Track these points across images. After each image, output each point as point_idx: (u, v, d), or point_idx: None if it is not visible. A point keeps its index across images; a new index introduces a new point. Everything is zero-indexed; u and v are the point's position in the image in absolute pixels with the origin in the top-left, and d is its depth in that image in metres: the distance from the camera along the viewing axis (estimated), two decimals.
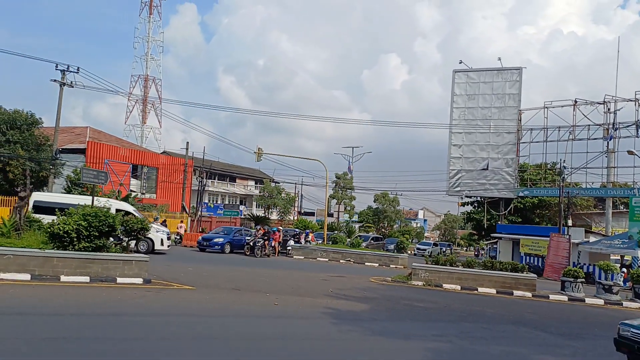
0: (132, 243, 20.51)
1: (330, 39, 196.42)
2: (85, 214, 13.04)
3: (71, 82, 28.61)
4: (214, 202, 60.18)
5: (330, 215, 53.53)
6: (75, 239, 12.81)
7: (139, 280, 13.24)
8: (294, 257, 29.90)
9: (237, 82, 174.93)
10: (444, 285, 18.27)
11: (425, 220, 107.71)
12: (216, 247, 27.48)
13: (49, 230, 13.11)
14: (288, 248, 31.00)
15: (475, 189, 43.53)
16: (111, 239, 14.19)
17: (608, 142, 37.49)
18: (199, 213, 42.61)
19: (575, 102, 39.31)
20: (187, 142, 45.06)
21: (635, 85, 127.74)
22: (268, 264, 23.56)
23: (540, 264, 31.99)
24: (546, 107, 40.48)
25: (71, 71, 28.48)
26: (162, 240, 22.92)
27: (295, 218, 58.67)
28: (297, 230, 38.02)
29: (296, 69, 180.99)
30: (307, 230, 38.81)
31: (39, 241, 13.40)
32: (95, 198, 16.59)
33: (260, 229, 29.66)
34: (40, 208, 20.22)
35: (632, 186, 37.21)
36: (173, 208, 44.67)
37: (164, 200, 44.57)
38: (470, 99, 43.30)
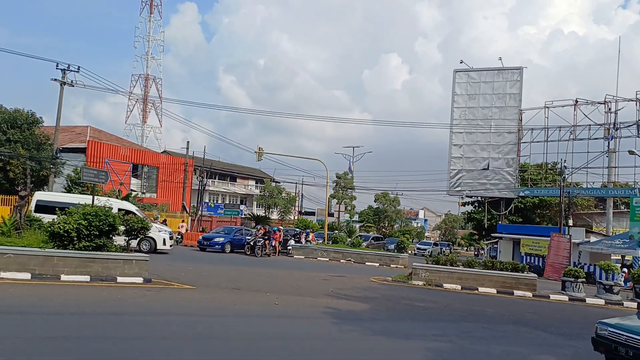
0: (135, 242, 20.68)
1: (331, 38, 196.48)
2: (85, 213, 13.04)
3: (72, 82, 28.62)
4: (215, 201, 60.18)
5: (330, 215, 53.55)
6: (75, 238, 12.81)
7: (140, 280, 13.23)
8: (295, 256, 29.89)
9: (238, 82, 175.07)
10: (444, 285, 18.25)
11: (425, 220, 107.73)
12: (216, 246, 27.47)
13: (49, 229, 13.12)
14: (288, 248, 30.99)
15: (475, 188, 43.48)
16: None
17: (609, 142, 37.43)
18: (200, 212, 42.62)
19: (576, 102, 39.25)
20: (188, 142, 45.07)
21: (636, 85, 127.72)
22: (268, 263, 23.56)
23: (540, 264, 31.96)
24: (547, 107, 40.42)
25: (72, 70, 28.51)
26: (164, 240, 22.93)
27: (296, 218, 58.69)
28: (297, 229, 38.01)
29: (297, 68, 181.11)
30: (308, 230, 38.81)
31: (40, 240, 13.41)
32: (96, 197, 16.58)
33: (260, 228, 29.64)
34: (43, 207, 20.23)
35: (633, 186, 37.16)
36: (173, 207, 44.69)
37: (165, 199, 44.58)
38: (471, 99, 43.25)
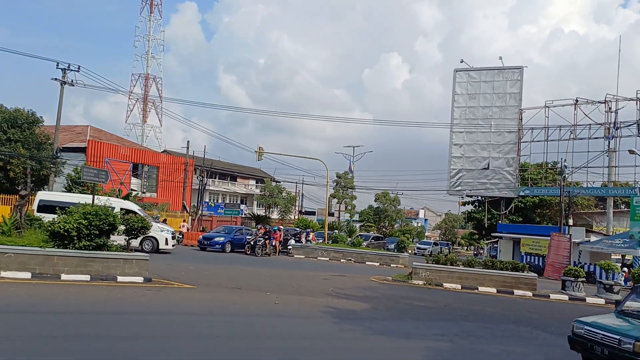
0: (137, 242, 20.70)
1: (331, 37, 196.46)
2: (86, 212, 13.04)
3: (72, 81, 28.63)
4: (215, 201, 60.19)
5: (331, 214, 53.52)
6: (75, 238, 12.81)
7: (140, 279, 13.23)
8: (295, 256, 29.89)
9: (238, 81, 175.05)
10: (444, 284, 18.25)
11: (426, 220, 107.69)
12: (217, 246, 27.47)
13: (49, 228, 13.13)
14: (289, 247, 30.99)
15: (476, 188, 43.47)
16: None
17: (609, 142, 37.40)
18: (200, 212, 42.63)
19: (576, 101, 39.23)
20: (188, 141, 45.07)
21: (636, 84, 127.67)
22: (269, 263, 23.56)
23: (541, 264, 31.97)
24: (547, 107, 40.39)
25: (72, 70, 28.52)
26: (166, 239, 22.94)
27: (296, 217, 58.69)
28: (297, 229, 38.00)
29: (297, 68, 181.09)
30: (308, 230, 38.82)
31: (40, 240, 13.42)
32: (97, 197, 16.58)
33: (261, 228, 29.65)
34: (46, 207, 20.22)
35: (633, 185, 37.15)
36: (174, 207, 44.69)
37: (165, 199, 44.58)
38: (471, 98, 43.23)
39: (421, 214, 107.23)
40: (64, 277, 12.40)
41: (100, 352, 6.85)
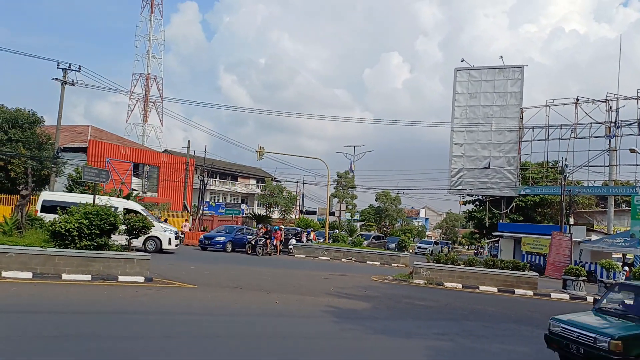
0: (140, 242, 20.74)
1: (332, 37, 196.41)
2: (87, 212, 13.05)
3: (73, 81, 28.63)
4: (216, 200, 60.20)
5: (331, 214, 53.51)
6: (76, 238, 12.83)
7: (141, 279, 13.25)
8: (296, 255, 29.90)
9: (239, 81, 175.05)
10: (445, 283, 18.25)
11: (426, 219, 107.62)
12: (218, 245, 27.48)
13: (50, 228, 13.14)
14: (289, 247, 30.99)
15: (476, 187, 43.46)
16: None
17: (610, 140, 37.38)
18: (201, 212, 42.64)
19: (577, 100, 39.19)
20: (189, 141, 45.13)
21: (637, 83, 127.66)
22: (269, 262, 23.57)
23: (541, 263, 31.96)
24: (548, 106, 40.36)
25: (73, 70, 28.51)
26: (169, 239, 22.95)
27: (297, 217, 58.68)
28: (298, 229, 38.01)
29: (297, 67, 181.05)
30: (309, 229, 38.82)
31: (41, 239, 13.43)
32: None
33: (261, 227, 29.64)
34: (49, 207, 20.23)
35: (634, 184, 37.12)
36: (174, 207, 44.69)
37: (166, 199, 44.59)
38: (472, 97, 43.20)
39: (422, 213, 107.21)
40: (65, 277, 12.41)
41: (101, 352, 6.86)
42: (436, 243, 57.11)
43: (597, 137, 38.12)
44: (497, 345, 9.40)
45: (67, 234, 12.75)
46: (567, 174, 35.20)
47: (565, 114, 39.86)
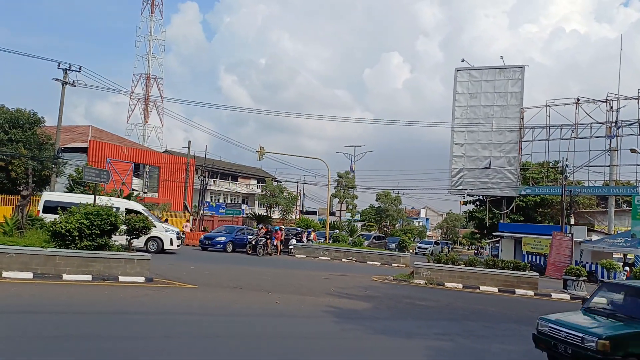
0: (142, 242, 20.75)
1: (332, 37, 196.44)
2: (87, 212, 13.06)
3: (73, 81, 28.65)
4: (216, 201, 60.22)
5: (332, 214, 53.44)
6: (77, 238, 12.83)
7: (141, 279, 13.25)
8: (296, 255, 29.89)
9: (239, 81, 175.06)
10: (445, 283, 18.25)
11: (427, 219, 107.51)
12: (218, 246, 27.49)
13: (51, 228, 13.14)
14: (290, 247, 30.98)
15: (477, 187, 43.45)
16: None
17: (611, 141, 37.37)
18: (201, 212, 42.64)
19: (578, 100, 39.18)
20: (189, 141, 45.13)
21: (637, 83, 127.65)
22: (270, 262, 23.57)
23: (542, 263, 31.94)
24: (548, 106, 40.35)
25: (73, 70, 28.53)
26: (171, 239, 22.94)
27: (297, 217, 58.67)
28: (299, 229, 38.00)
29: (298, 67, 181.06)
30: (309, 229, 38.79)
31: (42, 240, 13.44)
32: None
33: (262, 227, 29.65)
34: (51, 208, 20.24)
35: (635, 184, 37.10)
36: (175, 207, 44.70)
37: (166, 199, 44.60)
38: (473, 98, 43.20)
39: (422, 214, 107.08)
40: (65, 277, 12.41)
41: (102, 352, 6.86)
42: (436, 243, 57.10)
43: (597, 137, 38.12)
44: (498, 346, 9.40)
45: (67, 234, 12.76)
46: (568, 174, 35.18)
47: (565, 114, 39.91)
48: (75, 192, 26.48)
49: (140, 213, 20.38)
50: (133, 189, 38.33)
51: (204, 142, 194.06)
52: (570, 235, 29.59)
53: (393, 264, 28.75)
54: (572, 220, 34.81)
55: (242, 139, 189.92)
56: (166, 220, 30.36)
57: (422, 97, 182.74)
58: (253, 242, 27.29)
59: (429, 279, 18.50)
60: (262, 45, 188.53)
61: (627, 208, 39.42)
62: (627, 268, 26.48)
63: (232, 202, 63.92)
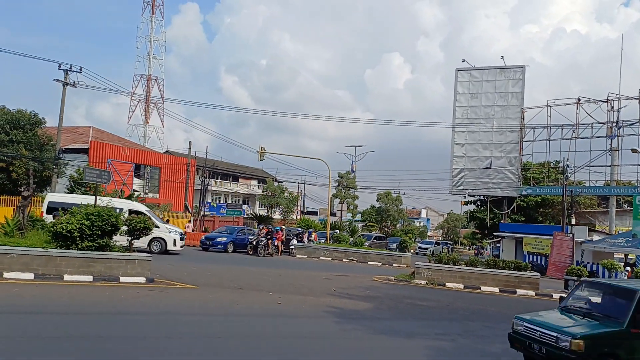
0: (145, 243, 20.75)
1: (333, 38, 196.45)
2: (88, 213, 13.06)
3: (74, 82, 28.64)
4: (217, 201, 60.22)
5: (333, 214, 53.45)
6: (78, 238, 12.83)
7: (142, 280, 13.25)
8: (297, 256, 29.90)
9: (240, 82, 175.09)
10: (447, 284, 18.24)
11: (428, 219, 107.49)
12: (219, 246, 27.49)
13: (52, 229, 13.15)
14: (291, 247, 30.99)
15: (478, 187, 43.42)
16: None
17: (611, 141, 37.31)
18: (202, 212, 42.65)
19: (579, 100, 39.13)
20: (190, 142, 45.22)
21: (638, 83, 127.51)
22: (271, 263, 23.57)
23: (543, 263, 31.92)
24: (549, 106, 40.30)
25: (74, 71, 28.52)
26: (174, 240, 22.94)
27: (298, 217, 58.66)
28: (300, 229, 38.00)
29: (298, 68, 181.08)
30: (310, 230, 38.78)
31: (42, 240, 13.44)
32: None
33: (263, 228, 29.65)
34: (55, 209, 20.27)
35: (636, 184, 37.05)
36: (176, 208, 44.72)
37: (167, 199, 44.62)
38: (473, 98, 43.16)
39: (423, 214, 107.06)
40: (66, 277, 12.42)
41: (102, 353, 6.87)
42: (437, 243, 57.08)
43: (598, 137, 38.06)
44: (499, 346, 9.38)
45: (68, 234, 12.76)
46: (569, 174, 35.12)
47: (566, 114, 39.87)
48: (76, 193, 26.49)
49: (144, 214, 20.40)
50: (134, 190, 38.35)
51: (205, 142, 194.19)
52: (571, 235, 29.55)
53: (394, 264, 28.74)
54: (573, 221, 34.77)
55: (243, 140, 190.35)
56: (167, 221, 30.40)
57: (422, 97, 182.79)
58: (254, 243, 27.29)
59: (430, 279, 18.49)
60: (263, 46, 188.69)
61: (629, 208, 39.39)
62: (628, 268, 26.44)
63: (233, 202, 63.93)
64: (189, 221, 37.15)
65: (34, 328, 7.80)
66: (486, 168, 42.26)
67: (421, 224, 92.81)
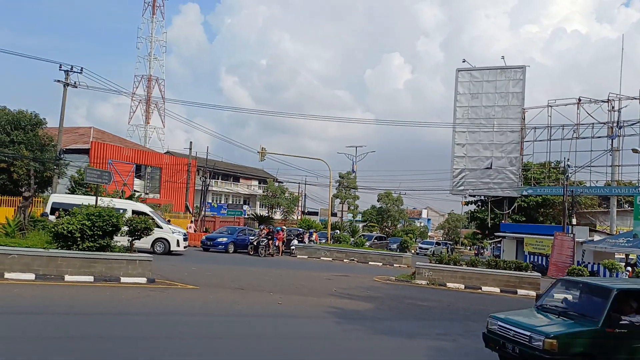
0: (149, 244, 20.74)
1: (333, 38, 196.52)
2: (89, 213, 13.07)
3: (75, 83, 28.66)
4: (218, 202, 60.24)
5: (333, 214, 53.46)
6: (79, 239, 12.84)
7: (143, 280, 13.26)
8: (298, 256, 29.90)
9: (240, 82, 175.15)
10: (447, 284, 18.23)
11: (429, 220, 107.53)
12: (220, 246, 27.49)
13: (53, 230, 13.16)
14: (292, 247, 31.00)
15: (478, 188, 43.40)
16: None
17: (612, 141, 37.30)
18: (203, 213, 42.67)
19: (579, 100, 39.12)
20: (191, 142, 45.27)
21: (639, 83, 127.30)
22: (272, 263, 23.57)
23: (544, 263, 31.90)
24: (550, 106, 40.29)
25: (75, 71, 28.53)
26: (178, 241, 22.93)
27: (299, 217, 58.68)
28: (300, 229, 37.99)
29: (299, 68, 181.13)
30: (311, 230, 38.80)
31: (43, 241, 13.44)
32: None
33: (263, 228, 29.65)
34: (58, 210, 20.30)
35: (637, 184, 37.03)
36: (176, 208, 44.74)
37: (168, 200, 44.65)
38: (474, 98, 43.15)
39: (424, 214, 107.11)
40: (67, 278, 12.43)
41: (103, 353, 6.87)
42: (438, 244, 57.06)
43: (599, 137, 38.05)
44: None
45: (69, 235, 12.77)
46: (570, 174, 35.11)
47: (567, 115, 39.86)
48: (77, 194, 26.51)
49: (147, 215, 20.40)
50: (135, 190, 38.35)
51: (206, 143, 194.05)
52: (572, 235, 29.54)
53: (395, 265, 28.73)
54: (574, 221, 34.74)
55: (244, 140, 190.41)
56: (168, 221, 30.41)
57: (423, 97, 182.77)
58: (255, 243, 27.30)
59: (431, 280, 18.48)
60: (263, 46, 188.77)
61: (629, 208, 39.37)
62: (629, 268, 26.44)
63: (234, 202, 63.93)
64: (191, 221, 37.17)
65: (34, 328, 7.81)
66: (487, 168, 42.25)
67: (422, 224, 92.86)
